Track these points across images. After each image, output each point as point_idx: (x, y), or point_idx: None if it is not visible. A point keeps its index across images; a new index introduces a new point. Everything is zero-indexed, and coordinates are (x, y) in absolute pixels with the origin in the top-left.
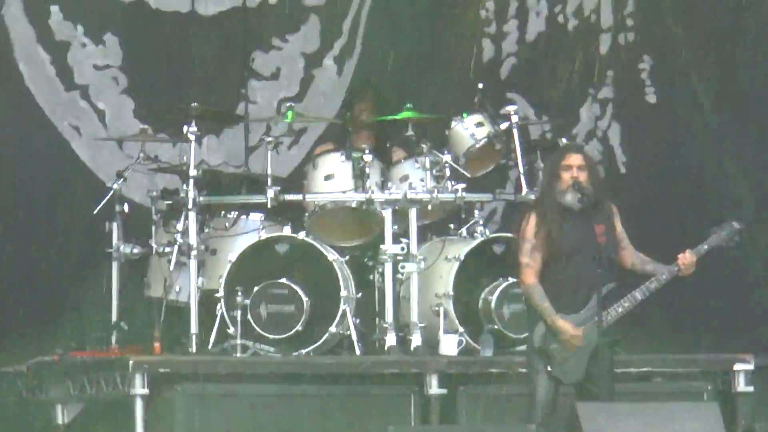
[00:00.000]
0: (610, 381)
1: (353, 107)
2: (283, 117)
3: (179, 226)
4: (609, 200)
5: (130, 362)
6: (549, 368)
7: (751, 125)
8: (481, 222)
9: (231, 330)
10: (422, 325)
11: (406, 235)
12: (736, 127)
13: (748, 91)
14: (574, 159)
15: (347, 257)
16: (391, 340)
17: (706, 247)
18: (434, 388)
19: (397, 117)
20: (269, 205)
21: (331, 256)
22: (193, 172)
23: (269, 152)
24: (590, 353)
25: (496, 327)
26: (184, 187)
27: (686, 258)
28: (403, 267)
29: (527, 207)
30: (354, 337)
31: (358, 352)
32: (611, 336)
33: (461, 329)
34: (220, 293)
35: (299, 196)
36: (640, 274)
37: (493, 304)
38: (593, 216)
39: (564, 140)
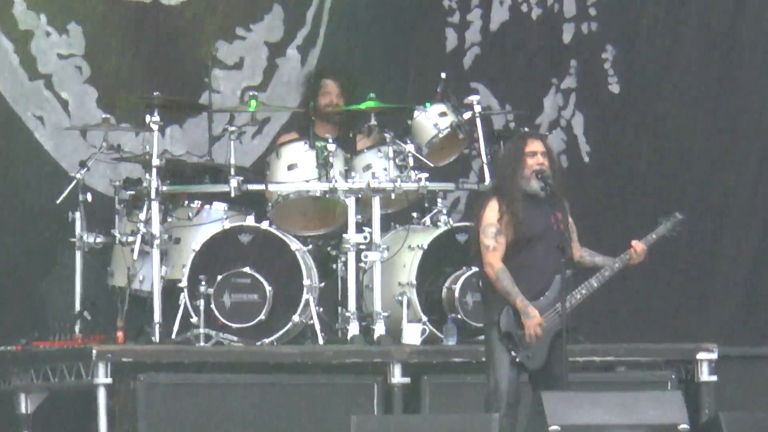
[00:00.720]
0: (566, 367)
1: (316, 97)
2: (247, 106)
3: (142, 216)
4: (563, 192)
5: (94, 351)
6: (513, 353)
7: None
8: (444, 211)
9: (194, 319)
10: (385, 314)
11: (369, 224)
12: (699, 117)
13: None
14: (537, 146)
15: (310, 246)
16: (354, 329)
17: (654, 236)
18: (397, 377)
19: (361, 107)
20: (232, 195)
21: (294, 245)
22: (156, 161)
23: (232, 142)
24: (551, 339)
25: (459, 316)
26: (147, 176)
27: (638, 246)
28: (366, 256)
29: (485, 193)
30: (317, 326)
31: (321, 341)
32: (570, 323)
33: (425, 318)
34: (184, 282)
35: (262, 186)
36: (588, 267)
37: (456, 293)
38: (552, 203)
39: (526, 129)
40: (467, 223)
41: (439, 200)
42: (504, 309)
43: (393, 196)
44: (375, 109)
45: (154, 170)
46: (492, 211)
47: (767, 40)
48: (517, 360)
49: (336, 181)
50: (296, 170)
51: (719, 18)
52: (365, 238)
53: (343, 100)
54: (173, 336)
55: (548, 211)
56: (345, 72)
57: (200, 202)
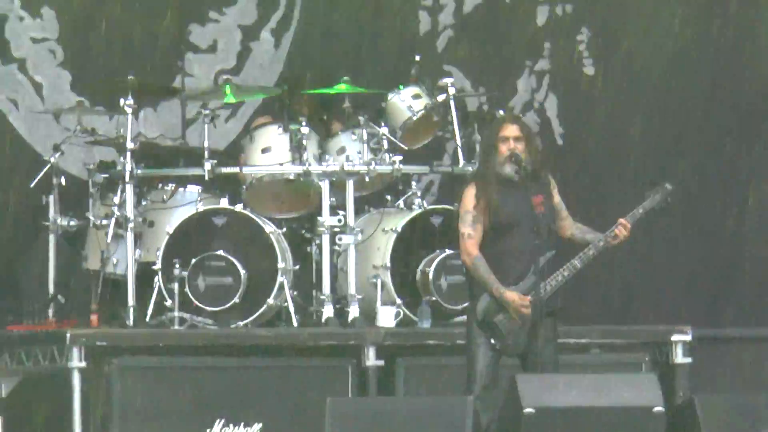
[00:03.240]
0: (553, 351)
1: (291, 80)
2: (221, 91)
3: (116, 199)
4: (547, 171)
5: (68, 335)
6: (492, 341)
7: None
8: (418, 194)
9: (168, 302)
10: (360, 296)
11: (343, 207)
12: (673, 98)
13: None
14: (511, 130)
15: (285, 229)
16: (328, 311)
17: (641, 210)
18: (372, 359)
19: (334, 90)
20: (206, 178)
21: (269, 228)
22: (130, 144)
23: (206, 125)
24: (532, 324)
25: (433, 298)
26: (122, 159)
27: (622, 224)
28: (340, 239)
29: (467, 179)
30: (291, 309)
31: (295, 324)
32: (553, 305)
33: (399, 301)
34: (158, 265)
35: (236, 169)
36: (579, 244)
37: (430, 276)
38: (531, 187)
39: (501, 112)
40: (442, 206)
41: (413, 183)
42: (481, 296)
43: (367, 179)
44: (349, 92)
45: (128, 153)
46: (469, 198)
47: (741, 18)
48: (497, 347)
49: (310, 164)
50: (270, 153)
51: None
52: (339, 221)
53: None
54: (147, 319)
55: (526, 195)
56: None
57: (174, 185)
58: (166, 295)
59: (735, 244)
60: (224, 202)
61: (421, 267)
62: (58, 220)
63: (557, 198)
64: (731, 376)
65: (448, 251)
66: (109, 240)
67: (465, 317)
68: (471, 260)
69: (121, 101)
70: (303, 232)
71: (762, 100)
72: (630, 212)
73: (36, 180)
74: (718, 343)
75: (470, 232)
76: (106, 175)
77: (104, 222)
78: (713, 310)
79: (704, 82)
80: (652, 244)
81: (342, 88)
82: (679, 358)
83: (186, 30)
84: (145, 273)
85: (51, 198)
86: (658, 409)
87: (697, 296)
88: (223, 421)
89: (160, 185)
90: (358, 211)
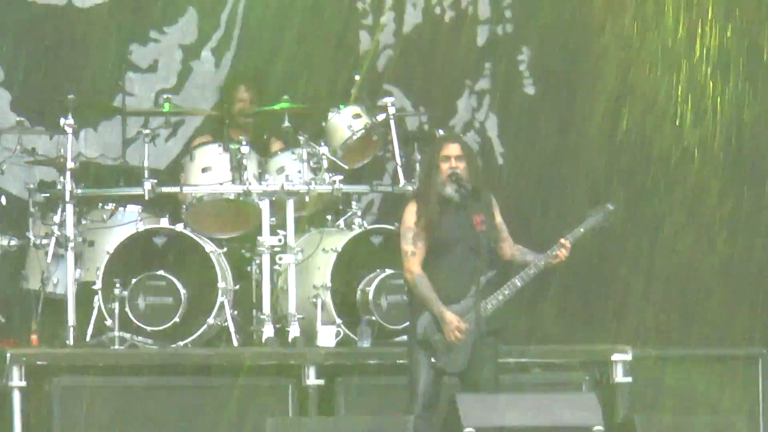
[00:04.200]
0: (494, 370)
1: (230, 99)
2: (161, 109)
3: (57, 218)
4: (488, 191)
5: (8, 355)
6: (433, 359)
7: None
8: (358, 213)
9: (108, 322)
10: (300, 316)
11: (283, 226)
12: (614, 117)
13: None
14: (452, 149)
15: (225, 249)
16: (268, 331)
17: (582, 230)
18: (312, 379)
19: (274, 108)
20: (147, 197)
21: (209, 247)
22: (70, 164)
23: (146, 144)
24: (473, 343)
25: (373, 318)
26: (62, 179)
27: (563, 243)
28: (280, 258)
29: (408, 197)
30: (231, 329)
31: (235, 343)
32: (495, 325)
33: (339, 320)
34: (98, 285)
35: (176, 189)
36: (519, 264)
37: (370, 295)
38: (472, 206)
39: (441, 132)
40: (382, 226)
41: (354, 203)
42: (421, 314)
43: (307, 199)
44: (289, 110)
45: (68, 173)
46: (411, 216)
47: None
48: (437, 365)
49: (250, 184)
50: (210, 172)
51: (632, 19)
52: (279, 240)
53: (255, 106)
54: (88, 339)
55: (467, 214)
56: (257, 78)
57: (114, 205)
58: (107, 315)
59: (677, 262)
60: (165, 222)
61: (361, 286)
62: None
63: (498, 218)
64: (670, 395)
65: (388, 271)
66: (49, 260)
67: (405, 336)
68: (413, 278)
69: (62, 121)
70: (243, 251)
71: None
72: (570, 232)
73: None
74: (658, 363)
75: (413, 249)
76: (47, 195)
77: (44, 242)
78: (653, 330)
79: (645, 100)
80: (596, 262)
81: (282, 106)
82: (620, 377)
83: (127, 49)
84: (85, 293)
85: None
86: (598, 428)
87: (638, 316)
88: None
89: (101, 205)
90: (299, 231)
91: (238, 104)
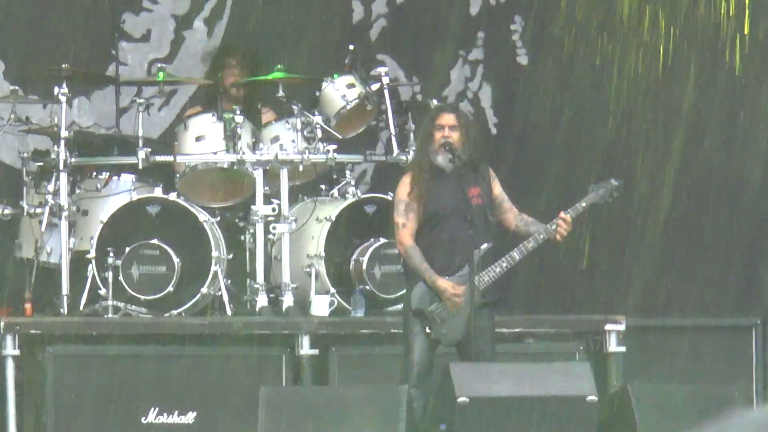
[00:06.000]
0: (490, 341)
1: (223, 68)
2: (155, 77)
3: (50, 187)
4: (485, 162)
5: (1, 323)
6: (428, 330)
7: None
8: (352, 183)
9: (102, 291)
10: (294, 285)
11: (277, 196)
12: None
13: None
14: (447, 119)
15: (218, 218)
16: (262, 300)
17: (583, 204)
18: (306, 348)
19: (268, 78)
20: (140, 167)
21: (202, 216)
22: (64, 133)
23: (140, 114)
24: (468, 314)
25: (367, 287)
26: (55, 148)
27: (564, 217)
28: (274, 228)
29: (404, 167)
30: (225, 298)
31: (229, 312)
32: (490, 296)
33: (333, 290)
34: (92, 254)
35: (170, 158)
36: (524, 236)
37: (364, 265)
38: (467, 177)
39: (435, 102)
40: (375, 195)
41: (347, 172)
42: (416, 285)
43: (301, 168)
44: (282, 80)
45: (62, 142)
46: (404, 187)
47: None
48: (432, 336)
49: (244, 153)
50: (204, 142)
51: None
52: (273, 210)
53: (247, 76)
54: (81, 308)
55: (461, 185)
56: (248, 50)
57: (108, 174)
58: (100, 284)
59: (669, 234)
60: (158, 191)
61: (354, 256)
62: None
63: (497, 189)
64: (665, 364)
65: (382, 240)
66: (43, 229)
67: (400, 306)
68: (405, 249)
69: (55, 89)
70: (237, 220)
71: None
72: (572, 205)
73: None
74: (653, 332)
75: (404, 221)
76: (40, 164)
77: (38, 210)
78: (648, 299)
79: (639, 71)
80: (587, 235)
81: (276, 75)
82: (613, 347)
83: (119, 19)
84: (78, 262)
85: None
86: (592, 398)
87: (633, 285)
88: (157, 409)
89: (94, 174)
90: (292, 200)
91: (228, 78)
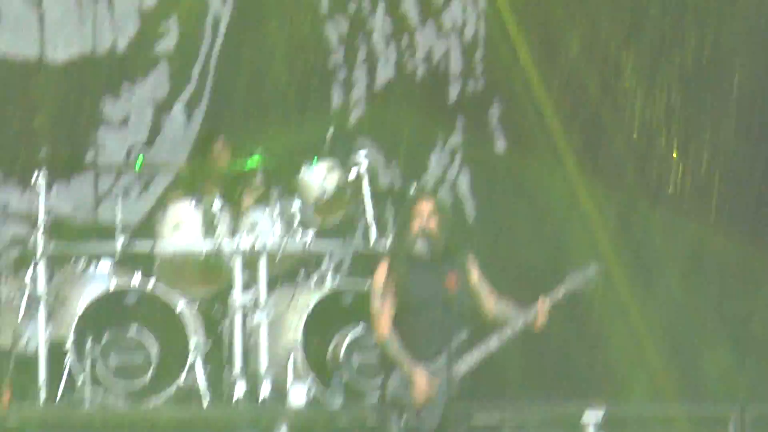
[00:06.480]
0: (465, 431)
1: (203, 155)
2: (134, 164)
3: (29, 275)
4: (464, 249)
5: None
6: (403, 418)
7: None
8: (330, 271)
9: (80, 381)
10: (272, 373)
11: (256, 283)
12: (587, 168)
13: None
14: (425, 207)
15: (197, 305)
16: (240, 389)
17: (562, 290)
18: None
19: (247, 165)
20: (119, 254)
21: (180, 305)
22: (42, 220)
23: (119, 200)
24: (445, 403)
25: (345, 376)
26: (34, 235)
27: (542, 304)
28: (252, 316)
29: (381, 256)
30: (203, 386)
31: (207, 401)
32: (468, 386)
33: (311, 378)
34: (69, 343)
35: (148, 246)
36: (503, 322)
37: (342, 353)
38: (445, 265)
39: (414, 188)
40: (353, 283)
41: (326, 260)
42: (392, 374)
43: (278, 258)
44: (261, 167)
45: (40, 229)
46: (381, 275)
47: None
48: (409, 425)
49: (221, 241)
50: (182, 229)
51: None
52: (252, 298)
53: (228, 160)
54: (59, 397)
55: (438, 273)
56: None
57: (86, 261)
58: (78, 374)
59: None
60: (137, 278)
61: (332, 344)
62: None
63: (476, 276)
64: None
65: (359, 329)
66: (20, 318)
67: (377, 395)
68: (380, 338)
69: (34, 176)
70: (215, 309)
71: None
72: (551, 292)
73: None
74: (634, 421)
75: (381, 309)
76: (19, 251)
77: (16, 299)
78: (628, 385)
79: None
80: (571, 319)
81: (254, 162)
82: None
83: (99, 104)
84: (57, 350)
85: None
86: None
87: (612, 373)
88: None
89: (73, 260)
90: (271, 287)
91: (214, 158)
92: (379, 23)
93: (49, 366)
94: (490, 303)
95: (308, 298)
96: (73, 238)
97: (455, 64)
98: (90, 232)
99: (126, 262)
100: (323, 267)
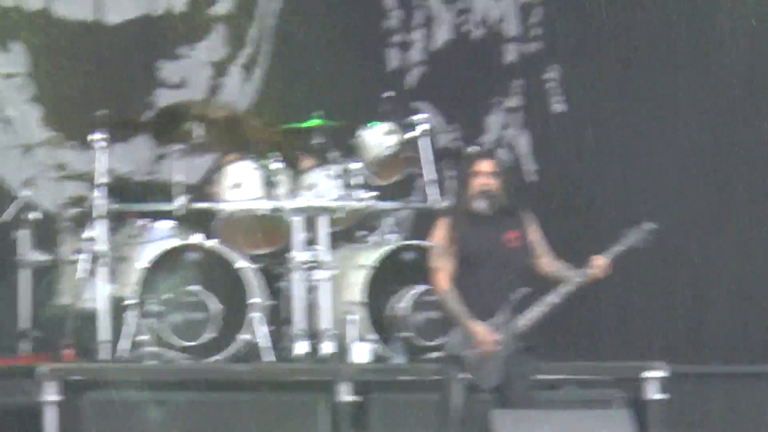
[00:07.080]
0: (527, 387)
1: (260, 117)
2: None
3: (89, 234)
4: (522, 207)
5: (42, 370)
6: (465, 375)
7: (656, 133)
8: (391, 229)
9: (142, 337)
10: (334, 332)
11: (316, 242)
12: (642, 135)
13: (657, 98)
14: (484, 165)
15: (258, 264)
16: (302, 347)
17: (619, 248)
18: (345, 395)
19: (306, 125)
20: (179, 213)
21: (241, 263)
22: (102, 179)
23: (178, 159)
24: (506, 358)
25: (407, 334)
26: (94, 194)
27: (598, 261)
28: (314, 274)
29: (439, 214)
30: (265, 345)
31: (267, 358)
32: (528, 342)
33: (373, 336)
34: (131, 300)
35: (208, 204)
36: (557, 281)
37: (404, 312)
38: (505, 222)
39: (472, 148)
40: (414, 242)
41: (386, 219)
42: (453, 330)
43: (339, 215)
44: (321, 127)
45: (100, 188)
46: (440, 232)
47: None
48: (470, 381)
49: (281, 200)
50: (241, 189)
51: (664, 35)
52: (312, 256)
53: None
54: (121, 354)
55: (497, 230)
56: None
57: (147, 220)
58: (140, 330)
59: (709, 279)
60: (197, 237)
61: (394, 303)
62: (30, 255)
63: (535, 234)
64: (708, 412)
65: (421, 287)
66: (82, 275)
67: (439, 352)
68: (440, 294)
69: (93, 136)
70: (276, 267)
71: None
72: (608, 250)
73: (7, 215)
74: (695, 380)
75: (440, 266)
76: (79, 210)
77: (76, 257)
78: (690, 346)
79: (674, 118)
80: (635, 277)
81: (314, 123)
82: (653, 394)
83: (156, 65)
84: (118, 308)
85: (22, 233)
86: None
87: (673, 331)
88: None
89: (133, 220)
90: (332, 247)
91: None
92: None
93: (109, 324)
94: (546, 261)
95: (369, 257)
96: (133, 196)
97: (512, 26)
98: (150, 191)
99: (187, 220)
100: (383, 226)
